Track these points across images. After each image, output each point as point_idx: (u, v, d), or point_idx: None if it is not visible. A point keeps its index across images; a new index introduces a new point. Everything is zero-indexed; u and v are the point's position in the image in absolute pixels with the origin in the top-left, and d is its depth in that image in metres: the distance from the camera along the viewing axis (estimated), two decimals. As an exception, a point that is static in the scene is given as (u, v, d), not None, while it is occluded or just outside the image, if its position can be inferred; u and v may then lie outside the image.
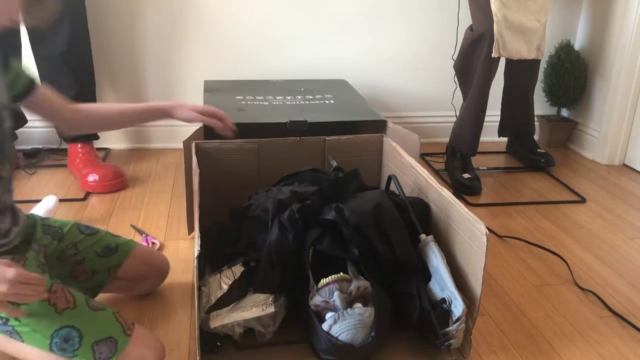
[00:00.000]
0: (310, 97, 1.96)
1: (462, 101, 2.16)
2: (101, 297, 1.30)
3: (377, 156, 1.65)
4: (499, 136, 2.40)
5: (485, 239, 1.06)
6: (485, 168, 2.27)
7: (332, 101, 1.91)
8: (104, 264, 1.25)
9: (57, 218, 1.27)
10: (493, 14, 1.90)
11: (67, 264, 1.21)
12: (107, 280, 1.26)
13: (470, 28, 2.06)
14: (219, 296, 1.17)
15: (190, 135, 1.52)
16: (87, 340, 1.00)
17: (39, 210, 1.64)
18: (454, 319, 1.11)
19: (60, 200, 1.81)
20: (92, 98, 2.09)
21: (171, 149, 2.39)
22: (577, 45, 2.51)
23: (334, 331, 1.08)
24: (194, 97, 2.34)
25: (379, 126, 1.69)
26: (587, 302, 1.42)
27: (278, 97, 1.93)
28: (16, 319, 0.98)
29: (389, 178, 1.40)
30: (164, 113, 1.35)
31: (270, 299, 1.18)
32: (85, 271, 1.23)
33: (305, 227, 1.19)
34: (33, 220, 1.18)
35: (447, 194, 1.24)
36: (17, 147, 2.22)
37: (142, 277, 1.33)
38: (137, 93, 2.34)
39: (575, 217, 1.88)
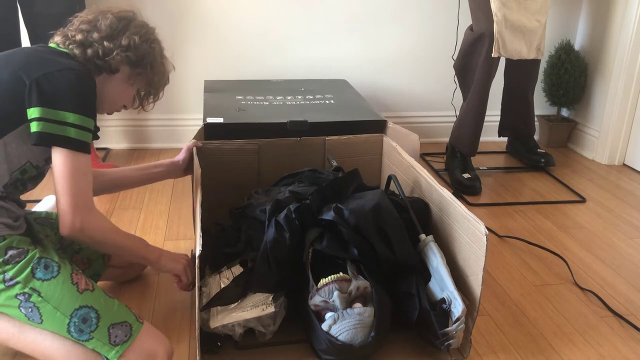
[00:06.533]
0: (311, 97, 1.96)
1: (462, 101, 2.16)
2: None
3: (377, 156, 1.65)
4: (499, 136, 2.40)
5: (485, 239, 1.06)
6: (485, 168, 2.27)
7: (332, 101, 1.91)
8: (98, 252, 1.29)
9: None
10: (493, 13, 1.90)
11: (66, 253, 1.25)
12: (103, 268, 1.31)
13: (470, 28, 2.06)
14: (218, 296, 1.18)
15: (192, 137, 1.53)
16: (104, 321, 1.02)
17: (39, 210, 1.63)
18: (454, 319, 1.11)
19: (61, 200, 1.81)
20: None
21: (171, 149, 2.39)
22: (577, 45, 2.51)
23: (334, 331, 1.08)
24: (194, 97, 2.34)
25: (379, 126, 1.69)
26: (587, 302, 1.42)
27: (278, 97, 1.93)
28: (39, 295, 0.99)
29: (389, 178, 1.40)
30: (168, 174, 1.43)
31: (270, 298, 1.18)
32: (82, 261, 1.27)
33: (303, 227, 1.19)
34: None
35: (447, 194, 1.24)
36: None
37: (132, 263, 1.38)
38: (137, 93, 2.34)
39: (575, 217, 1.88)
